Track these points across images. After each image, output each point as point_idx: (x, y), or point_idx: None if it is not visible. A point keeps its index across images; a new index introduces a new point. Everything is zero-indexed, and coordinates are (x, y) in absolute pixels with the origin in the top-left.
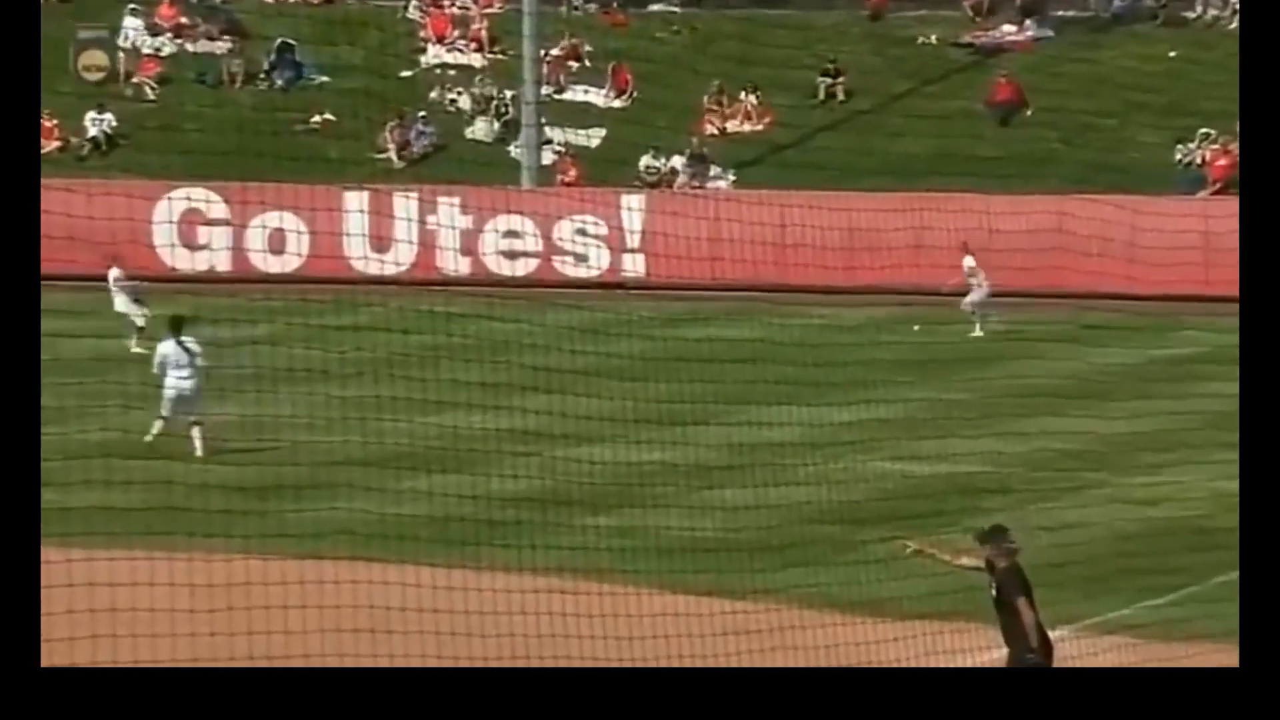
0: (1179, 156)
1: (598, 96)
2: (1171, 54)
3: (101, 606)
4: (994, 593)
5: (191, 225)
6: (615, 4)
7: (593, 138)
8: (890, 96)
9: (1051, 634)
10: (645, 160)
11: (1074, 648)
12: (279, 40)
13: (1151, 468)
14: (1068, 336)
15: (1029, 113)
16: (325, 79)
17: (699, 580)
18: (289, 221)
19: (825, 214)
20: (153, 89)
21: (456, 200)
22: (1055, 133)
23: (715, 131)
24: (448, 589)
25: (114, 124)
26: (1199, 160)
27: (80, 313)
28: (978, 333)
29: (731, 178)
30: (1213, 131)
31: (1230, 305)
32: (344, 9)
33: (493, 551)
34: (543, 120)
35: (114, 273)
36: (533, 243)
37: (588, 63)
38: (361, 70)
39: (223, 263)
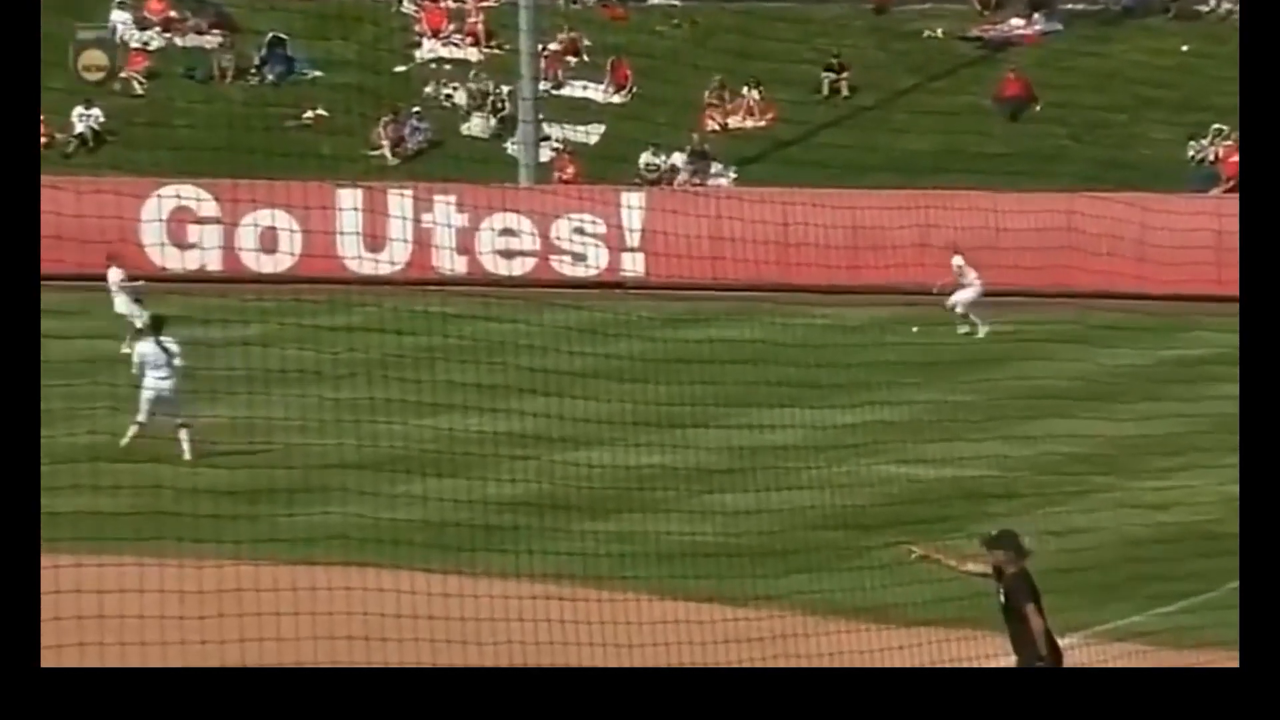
0: (1191, 153)
1: (596, 92)
2: (1184, 48)
3: (89, 613)
4: (1002, 599)
5: (181, 223)
6: None
7: (591, 134)
8: (895, 92)
9: (1060, 641)
10: (645, 157)
11: (1083, 655)
12: (270, 34)
13: (1161, 472)
14: (1076, 337)
15: (1038, 108)
16: (318, 74)
17: (699, 586)
18: (281, 220)
19: (829, 212)
20: (141, 84)
21: (452, 198)
22: (1064, 129)
23: (716, 128)
24: (443, 595)
25: (101, 120)
26: (1212, 157)
27: (68, 313)
28: (963, 331)
29: (733, 175)
30: (1226, 127)
31: None
32: (337, 2)
33: (489, 557)
34: (540, 116)
35: (115, 274)
36: (530, 241)
37: (586, 57)
38: (355, 65)
39: (213, 262)
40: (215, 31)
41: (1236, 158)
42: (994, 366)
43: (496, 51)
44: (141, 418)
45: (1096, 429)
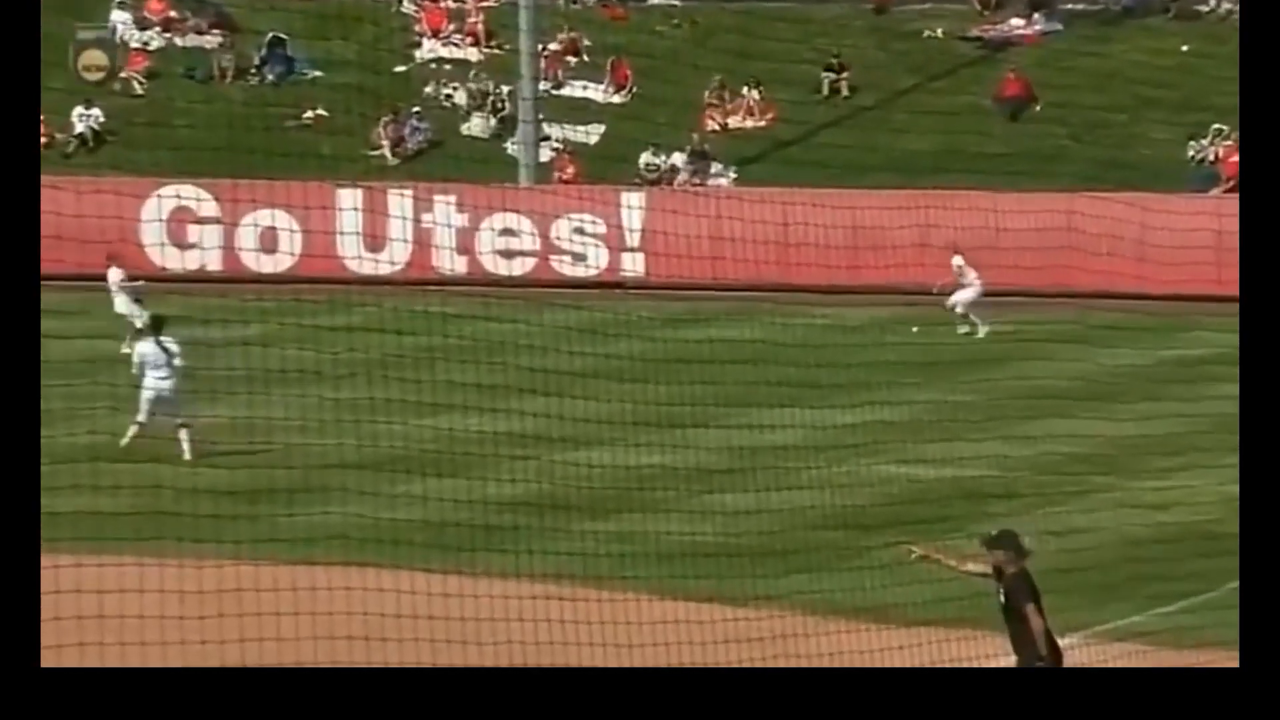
0: (1191, 153)
1: (596, 92)
2: (1184, 48)
3: (89, 613)
4: (1002, 599)
5: (181, 223)
6: None
7: (591, 134)
8: (895, 92)
9: (1060, 641)
10: (645, 157)
11: (1083, 655)
12: (270, 34)
13: (1162, 472)
14: (1076, 337)
15: (1038, 108)
16: (318, 74)
17: (699, 587)
18: (281, 220)
19: (829, 212)
20: (141, 84)
21: (452, 198)
22: (1064, 129)
23: (716, 128)
24: (443, 595)
25: (101, 120)
26: (1212, 157)
27: (68, 313)
28: (963, 331)
29: (733, 175)
30: (1226, 127)
31: None
32: (337, 2)
33: (489, 557)
34: (540, 116)
35: (115, 274)
36: (530, 241)
37: (586, 57)
38: (355, 65)
39: (213, 262)
40: (215, 31)
41: (1237, 158)
42: (994, 366)
43: (496, 51)
44: (141, 418)
45: (1096, 429)
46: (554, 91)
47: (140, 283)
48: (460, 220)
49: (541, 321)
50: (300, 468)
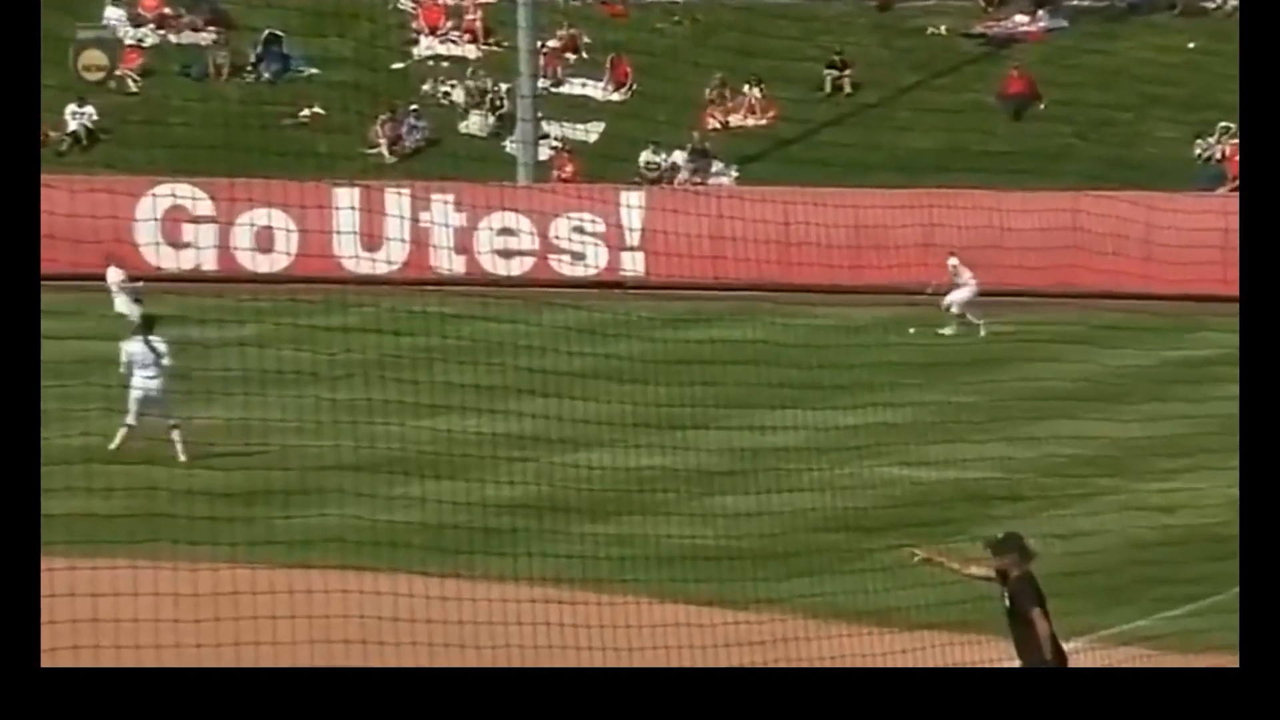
0: (1198, 151)
1: (596, 89)
2: (1190, 45)
3: (83, 617)
4: (1007, 603)
5: (176, 223)
6: None
7: (591, 132)
8: (898, 89)
9: (1066, 646)
10: (645, 156)
11: (1089, 660)
12: (266, 31)
13: (1167, 473)
14: (1081, 338)
15: (1042, 106)
16: (314, 71)
17: (700, 590)
18: (277, 219)
19: (831, 211)
20: (135, 81)
21: (450, 197)
22: (1069, 127)
23: (717, 126)
24: (441, 599)
25: (95, 118)
26: (1218, 155)
27: (61, 313)
28: (947, 331)
29: (734, 174)
30: (1232, 125)
31: None
32: None
33: (487, 560)
34: (539, 114)
35: (114, 274)
36: (529, 241)
37: (585, 55)
38: (352, 62)
39: (209, 261)
40: (210, 28)
41: None
42: (998, 367)
43: (495, 49)
44: (131, 419)
45: (1101, 430)
46: (553, 89)
47: (140, 283)
48: (458, 219)
49: (540, 322)
50: (296, 469)
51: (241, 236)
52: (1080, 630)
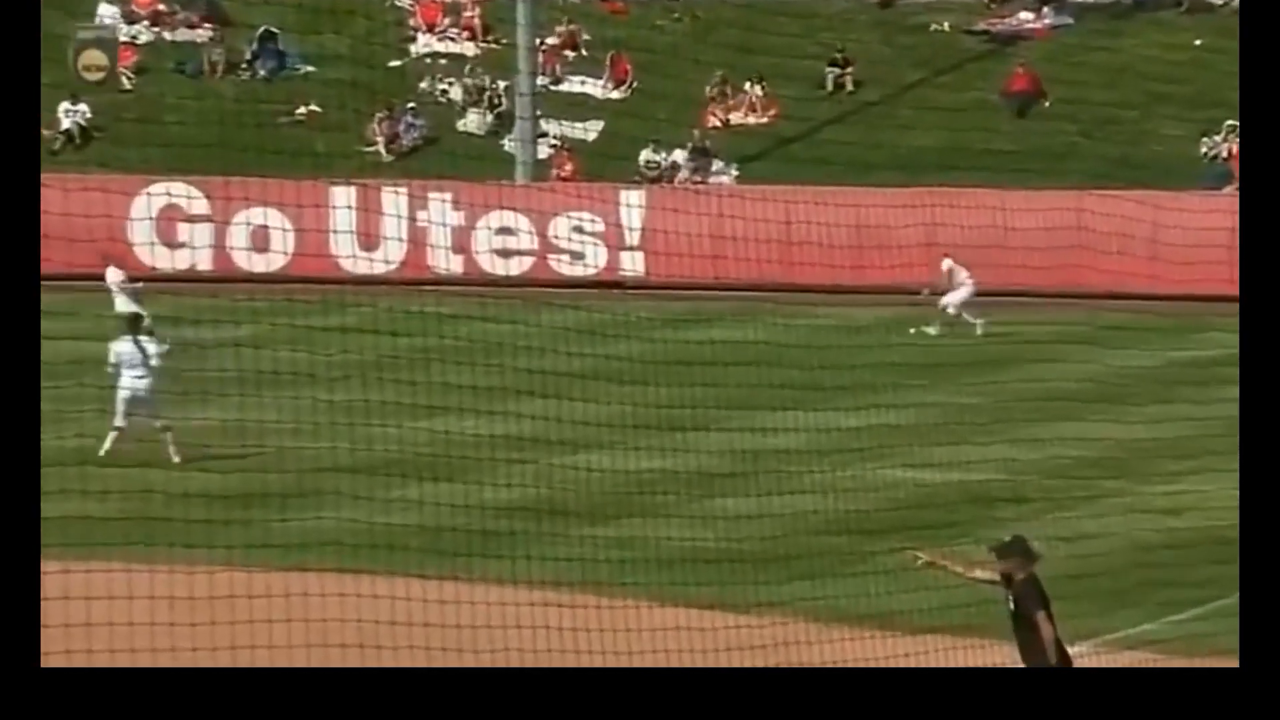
0: (1204, 150)
1: (595, 87)
2: (1196, 42)
3: (77, 620)
4: (1011, 607)
5: (171, 222)
6: None
7: (590, 130)
8: (901, 87)
9: (1070, 650)
10: (645, 154)
11: (1093, 663)
12: (262, 28)
13: (1173, 475)
14: (1086, 338)
15: (1047, 104)
16: (310, 69)
17: (701, 593)
18: (273, 218)
19: (832, 210)
20: (130, 79)
21: (448, 196)
22: (1074, 125)
23: (718, 124)
24: (439, 602)
25: (89, 116)
26: (1225, 154)
27: (55, 314)
28: (933, 331)
29: (735, 172)
30: (1239, 124)
31: None
32: None
33: (486, 563)
34: (538, 112)
35: (114, 274)
36: (527, 240)
37: (585, 52)
38: (348, 60)
39: (204, 261)
40: (205, 25)
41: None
42: (1001, 368)
43: (493, 46)
44: (119, 421)
45: (1106, 432)
46: (552, 87)
47: (140, 284)
48: (456, 219)
49: (539, 322)
50: (293, 471)
51: (237, 236)
52: (1085, 634)
